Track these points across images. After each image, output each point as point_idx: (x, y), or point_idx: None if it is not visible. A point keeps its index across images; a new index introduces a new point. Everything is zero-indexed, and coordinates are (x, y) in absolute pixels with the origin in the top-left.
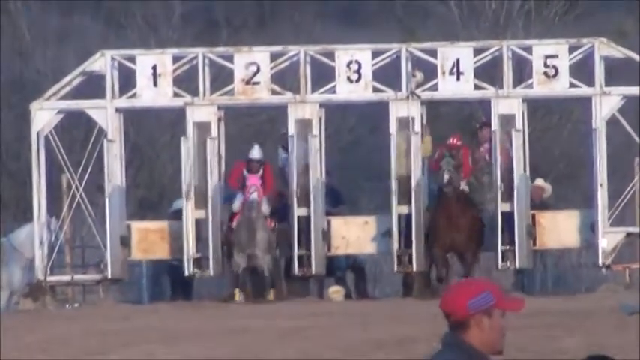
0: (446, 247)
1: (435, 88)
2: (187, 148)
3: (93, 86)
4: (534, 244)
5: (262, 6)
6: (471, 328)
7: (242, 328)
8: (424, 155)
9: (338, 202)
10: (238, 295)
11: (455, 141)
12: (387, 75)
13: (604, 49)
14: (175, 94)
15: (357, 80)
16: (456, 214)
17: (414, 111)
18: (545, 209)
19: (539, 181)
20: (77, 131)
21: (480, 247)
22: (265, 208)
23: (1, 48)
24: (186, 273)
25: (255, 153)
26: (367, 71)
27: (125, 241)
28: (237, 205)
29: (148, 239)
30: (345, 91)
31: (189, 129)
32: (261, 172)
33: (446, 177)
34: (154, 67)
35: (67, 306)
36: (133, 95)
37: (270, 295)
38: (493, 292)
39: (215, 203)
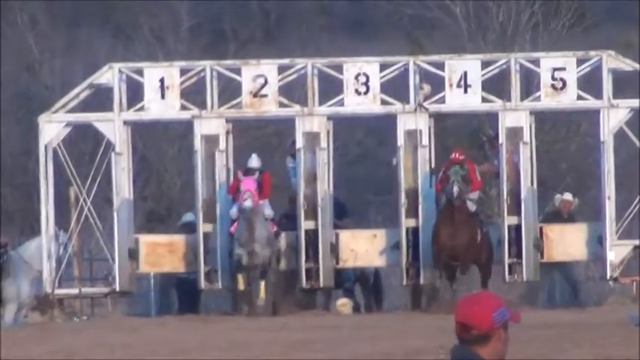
0: (446, 256)
1: (442, 100)
2: (199, 161)
3: (101, 99)
4: (542, 256)
5: (269, 19)
6: (491, 342)
7: (249, 341)
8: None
9: (343, 214)
10: (242, 283)
11: (457, 155)
12: (395, 87)
13: (612, 61)
14: (183, 107)
15: (365, 93)
16: (458, 225)
17: (422, 124)
18: (572, 222)
19: (568, 195)
20: (85, 144)
21: (490, 261)
22: (268, 212)
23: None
24: (201, 286)
25: (254, 162)
26: (375, 84)
27: (133, 254)
28: (234, 211)
29: (156, 252)
30: (353, 103)
31: (198, 142)
32: (257, 176)
33: (455, 189)
34: (162, 80)
35: (75, 319)
36: (141, 108)
37: (260, 292)
38: (504, 305)
39: (224, 216)
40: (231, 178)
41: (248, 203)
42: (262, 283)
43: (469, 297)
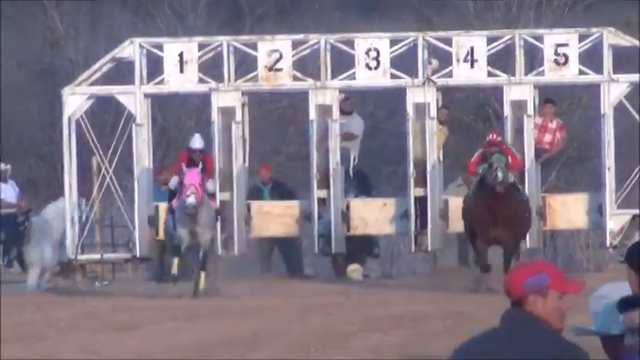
0: (491, 241)
1: (449, 75)
2: (216, 133)
3: (122, 73)
4: (544, 224)
5: None
6: (526, 307)
7: (264, 305)
8: (439, 142)
9: (367, 187)
10: (177, 267)
11: (494, 136)
12: (404, 62)
13: (612, 38)
14: (201, 81)
15: (376, 67)
16: (507, 209)
17: (430, 97)
18: None
19: None
20: (107, 116)
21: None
22: (211, 188)
23: None
24: (218, 252)
25: (197, 143)
26: (385, 59)
27: (152, 222)
28: (174, 182)
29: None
30: (364, 77)
31: (215, 114)
32: (201, 165)
33: (499, 175)
34: (181, 55)
35: (97, 284)
36: (161, 81)
37: (200, 283)
38: (550, 273)
39: (240, 185)
40: (247, 148)
41: (191, 200)
42: (203, 275)
43: (515, 266)
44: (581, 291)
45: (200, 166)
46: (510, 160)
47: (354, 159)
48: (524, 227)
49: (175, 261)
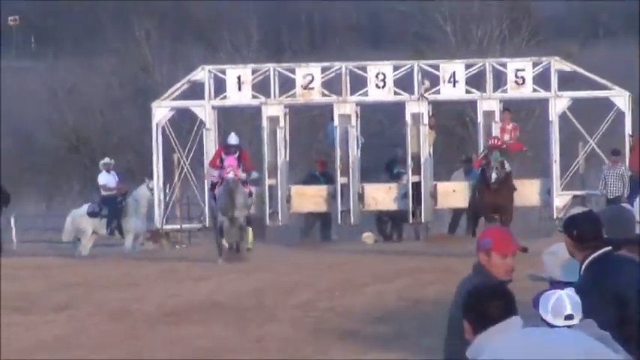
0: (490, 219)
1: (437, 92)
2: (265, 135)
3: (195, 91)
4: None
5: (315, 33)
6: (481, 261)
7: (302, 262)
8: (429, 142)
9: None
10: (226, 242)
11: (496, 141)
12: (404, 83)
13: (557, 64)
14: (254, 97)
15: (383, 87)
16: (502, 200)
17: (423, 109)
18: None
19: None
20: (184, 123)
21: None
22: (245, 176)
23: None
24: (267, 223)
25: (233, 140)
26: (389, 80)
27: None
28: (215, 175)
29: None
30: (374, 94)
31: (264, 121)
32: (237, 154)
33: (494, 174)
34: (239, 78)
35: (177, 246)
36: (224, 97)
37: (248, 243)
38: (493, 238)
39: (282, 173)
40: (288, 147)
41: (230, 175)
42: (247, 237)
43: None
44: (513, 253)
45: (237, 154)
46: (510, 146)
47: None
48: (512, 207)
49: (221, 241)
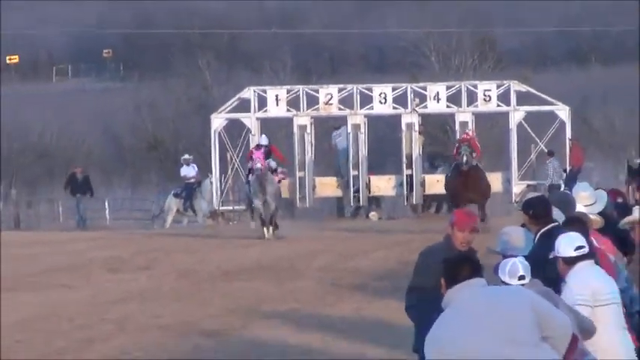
0: (465, 202)
1: (425, 107)
2: (296, 140)
3: (244, 105)
4: None
5: (333, 62)
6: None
7: (321, 235)
8: (419, 145)
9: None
10: (256, 223)
11: (465, 136)
12: (401, 100)
13: (516, 86)
14: (287, 110)
15: (384, 103)
16: (472, 182)
17: (415, 119)
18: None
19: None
20: (235, 130)
21: (487, 199)
22: (274, 165)
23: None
24: (297, 205)
25: (263, 140)
26: (389, 98)
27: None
28: (249, 166)
29: None
30: (378, 108)
31: (295, 129)
32: (264, 149)
33: (464, 159)
34: (276, 96)
35: (230, 223)
36: (265, 110)
37: (270, 232)
38: (457, 216)
39: (309, 168)
40: (313, 148)
41: (258, 165)
42: (271, 228)
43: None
44: (470, 231)
45: (263, 149)
46: (475, 149)
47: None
48: (485, 191)
49: (255, 222)
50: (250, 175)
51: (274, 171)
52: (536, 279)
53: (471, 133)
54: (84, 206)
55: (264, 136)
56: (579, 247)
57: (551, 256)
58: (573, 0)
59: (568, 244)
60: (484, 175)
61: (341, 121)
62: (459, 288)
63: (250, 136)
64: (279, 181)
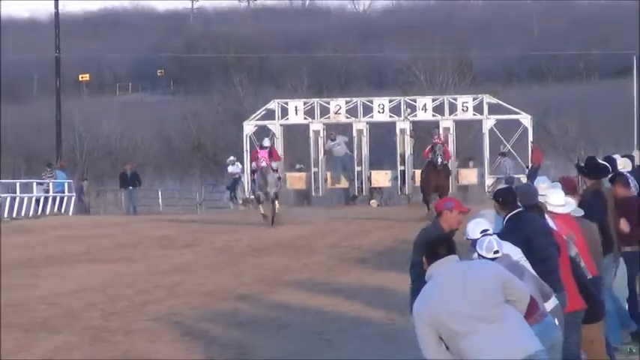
0: (432, 191)
1: (415, 116)
2: (312, 141)
3: (269, 115)
4: (459, 182)
5: (341, 79)
6: (442, 217)
7: (330, 218)
8: (410, 145)
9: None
10: (263, 209)
11: (437, 139)
12: (395, 110)
13: (488, 99)
14: (305, 118)
15: (382, 112)
16: (441, 177)
17: (407, 125)
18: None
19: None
20: (263, 135)
21: (448, 191)
22: (275, 165)
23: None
24: (312, 193)
25: (266, 142)
26: (386, 108)
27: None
28: (254, 165)
29: (294, 177)
30: (377, 117)
31: (311, 133)
32: (268, 150)
33: (439, 159)
34: (296, 107)
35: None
36: (287, 119)
37: (275, 210)
38: (455, 202)
39: (322, 164)
40: (323, 149)
41: (263, 163)
42: (275, 206)
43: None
44: (466, 212)
45: (268, 150)
46: (445, 152)
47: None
48: (448, 185)
49: (260, 207)
50: (255, 174)
51: (275, 170)
52: (507, 253)
53: (442, 137)
54: (134, 196)
55: (266, 139)
56: (484, 231)
57: (465, 238)
58: (534, 28)
59: (475, 228)
60: (450, 173)
61: (347, 128)
62: (437, 266)
63: (274, 138)
64: (279, 178)
